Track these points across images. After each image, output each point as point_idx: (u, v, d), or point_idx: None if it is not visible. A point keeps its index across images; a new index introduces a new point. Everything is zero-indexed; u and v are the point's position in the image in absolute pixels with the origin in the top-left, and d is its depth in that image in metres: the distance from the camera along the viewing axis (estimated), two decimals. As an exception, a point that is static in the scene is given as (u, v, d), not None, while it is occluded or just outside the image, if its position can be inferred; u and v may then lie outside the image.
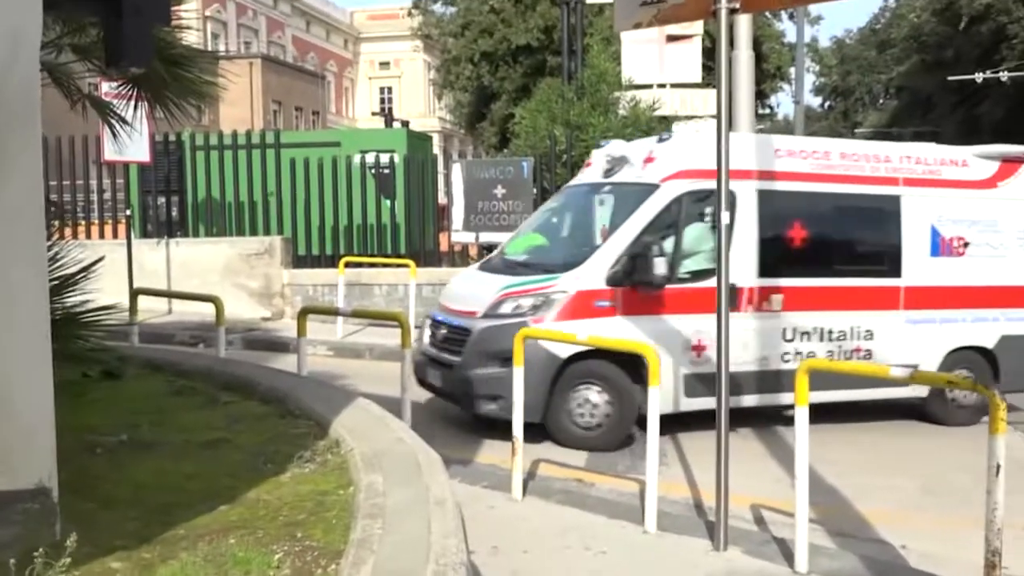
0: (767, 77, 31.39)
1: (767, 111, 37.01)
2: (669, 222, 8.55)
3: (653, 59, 15.68)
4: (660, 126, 14.69)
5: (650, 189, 8.58)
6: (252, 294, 14.87)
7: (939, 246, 9.27)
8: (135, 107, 7.32)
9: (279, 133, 17.95)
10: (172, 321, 13.66)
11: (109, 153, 13.63)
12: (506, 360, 7.30)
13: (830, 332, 8.91)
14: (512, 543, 5.42)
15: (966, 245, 9.33)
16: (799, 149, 9.17)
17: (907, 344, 9.01)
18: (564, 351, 7.99)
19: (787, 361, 8.56)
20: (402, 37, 57.28)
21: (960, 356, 9.30)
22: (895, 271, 9.18)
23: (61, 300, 6.22)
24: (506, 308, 8.41)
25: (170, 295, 8.69)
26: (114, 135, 7.63)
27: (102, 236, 16.27)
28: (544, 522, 5.90)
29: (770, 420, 9.19)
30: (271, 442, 4.74)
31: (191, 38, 8.04)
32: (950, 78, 38.30)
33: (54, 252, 6.31)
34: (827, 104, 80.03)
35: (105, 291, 6.82)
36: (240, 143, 16.46)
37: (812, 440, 5.11)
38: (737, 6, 5.65)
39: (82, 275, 6.41)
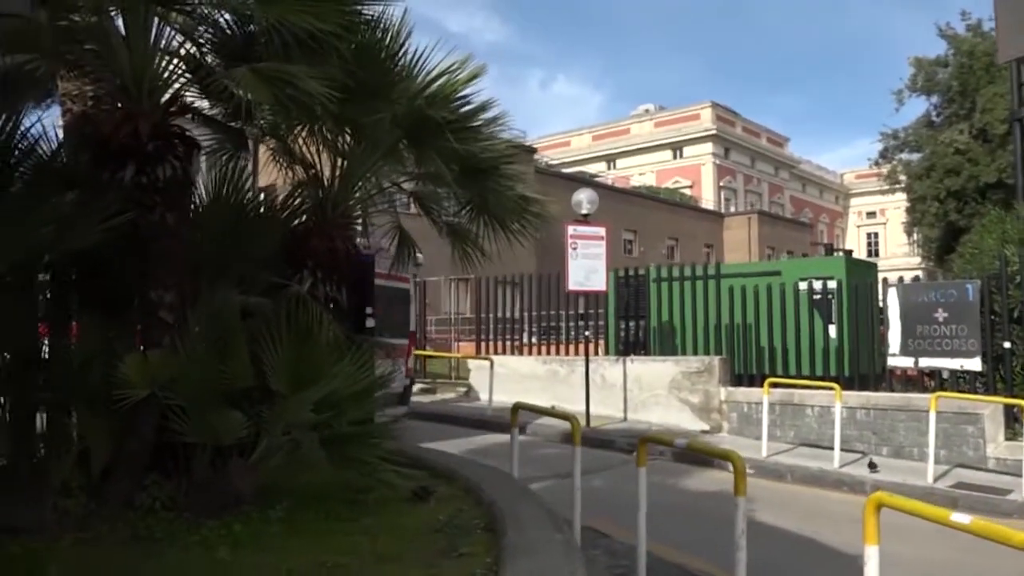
0: None
1: None
2: None
3: None
4: None
5: None
6: (693, 408, 12.51)
7: None
8: (477, 228, 5.79)
9: (719, 265, 15.40)
10: (621, 428, 12.05)
11: (572, 284, 12.54)
12: None
13: None
14: None
15: None
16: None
17: None
18: None
19: None
20: (887, 190, 50.81)
21: None
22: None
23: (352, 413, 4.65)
24: None
25: (537, 410, 6.84)
26: (464, 253, 6.12)
27: (576, 353, 15.05)
28: None
29: None
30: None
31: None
32: None
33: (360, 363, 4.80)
34: None
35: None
36: (686, 275, 14.38)
37: None
38: None
39: (375, 387, 4.82)
